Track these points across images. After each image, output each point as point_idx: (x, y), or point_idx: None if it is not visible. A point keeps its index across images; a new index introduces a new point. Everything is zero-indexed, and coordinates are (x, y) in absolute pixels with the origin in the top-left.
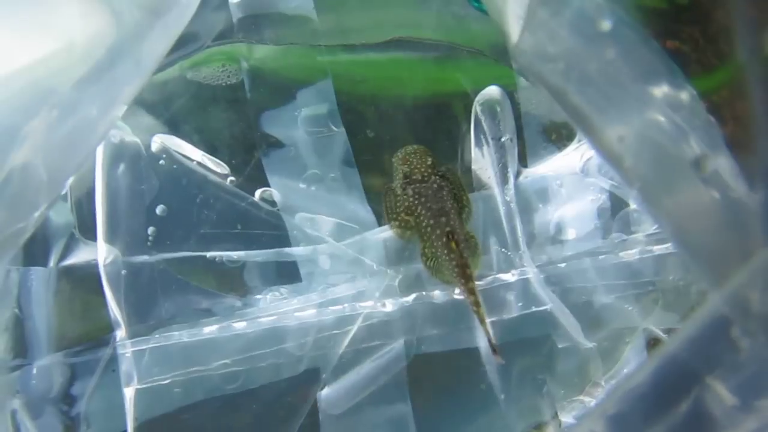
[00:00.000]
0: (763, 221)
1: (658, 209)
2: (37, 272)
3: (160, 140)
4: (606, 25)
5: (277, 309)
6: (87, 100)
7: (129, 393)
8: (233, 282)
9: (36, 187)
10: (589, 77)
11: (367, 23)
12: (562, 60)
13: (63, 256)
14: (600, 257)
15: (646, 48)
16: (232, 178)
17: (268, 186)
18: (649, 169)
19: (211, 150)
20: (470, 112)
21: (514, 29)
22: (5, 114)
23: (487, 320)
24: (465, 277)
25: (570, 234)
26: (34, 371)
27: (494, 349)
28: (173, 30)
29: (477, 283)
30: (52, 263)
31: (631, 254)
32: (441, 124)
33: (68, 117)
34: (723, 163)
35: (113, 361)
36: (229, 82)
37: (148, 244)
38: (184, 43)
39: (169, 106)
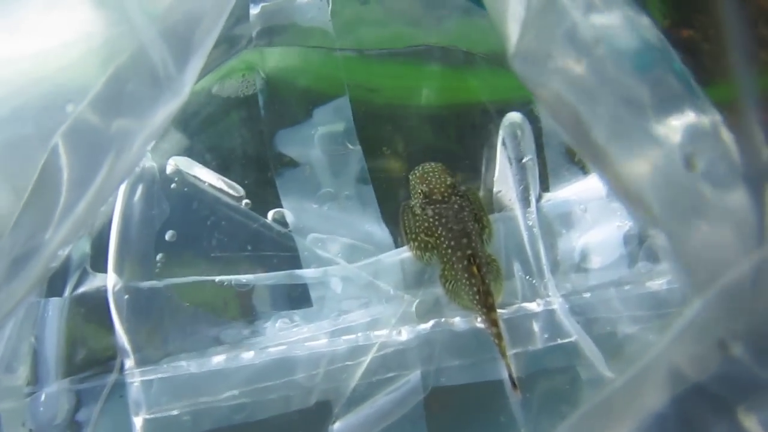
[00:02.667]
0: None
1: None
2: (54, 303)
3: (174, 163)
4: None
5: (287, 338)
6: (116, 124)
7: (138, 422)
8: (242, 307)
9: (72, 211)
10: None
11: (384, 34)
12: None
13: (76, 285)
14: (626, 287)
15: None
16: (248, 201)
17: (281, 206)
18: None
19: (225, 169)
20: (489, 126)
21: (513, 32)
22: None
23: (510, 352)
24: (487, 306)
25: (595, 262)
26: (43, 398)
27: (514, 383)
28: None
29: (500, 311)
30: (67, 293)
31: (658, 284)
32: (460, 141)
33: (95, 140)
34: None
35: (120, 387)
36: (247, 93)
37: (156, 270)
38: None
39: (186, 126)
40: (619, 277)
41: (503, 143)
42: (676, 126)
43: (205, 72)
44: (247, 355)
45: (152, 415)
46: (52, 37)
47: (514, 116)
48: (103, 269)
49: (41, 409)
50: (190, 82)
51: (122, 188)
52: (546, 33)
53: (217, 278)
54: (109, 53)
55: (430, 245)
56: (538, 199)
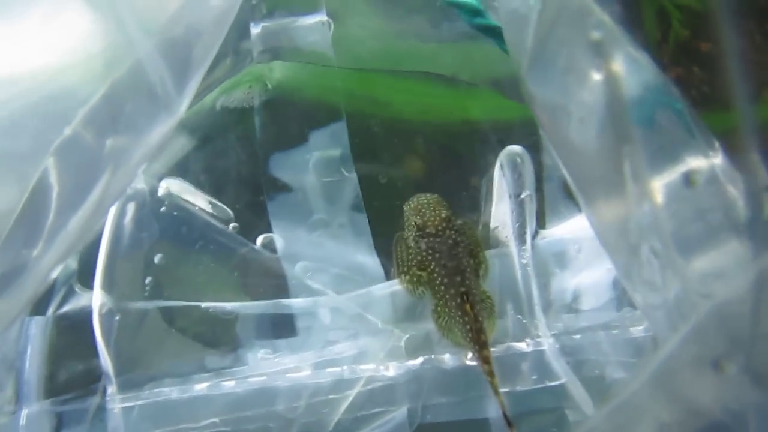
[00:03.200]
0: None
1: None
2: (37, 321)
3: (166, 185)
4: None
5: (269, 367)
6: (111, 144)
7: None
8: (226, 335)
9: (64, 232)
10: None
11: (386, 59)
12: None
13: (61, 304)
14: (614, 331)
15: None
16: (235, 224)
17: (271, 231)
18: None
19: (217, 190)
20: (487, 157)
21: (524, 61)
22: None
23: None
24: (479, 344)
25: (586, 303)
26: (23, 420)
27: (509, 422)
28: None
29: (491, 349)
30: (50, 311)
31: (638, 330)
32: (458, 172)
33: (90, 159)
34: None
35: (100, 410)
36: (252, 105)
37: (145, 294)
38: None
39: (183, 145)
40: (608, 320)
41: (503, 176)
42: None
43: (208, 88)
44: (229, 384)
45: None
46: (50, 53)
47: (514, 148)
48: (89, 287)
49: (22, 430)
50: (187, 101)
51: (112, 208)
52: (551, 65)
53: (203, 305)
54: (106, 69)
55: (422, 279)
56: (534, 236)
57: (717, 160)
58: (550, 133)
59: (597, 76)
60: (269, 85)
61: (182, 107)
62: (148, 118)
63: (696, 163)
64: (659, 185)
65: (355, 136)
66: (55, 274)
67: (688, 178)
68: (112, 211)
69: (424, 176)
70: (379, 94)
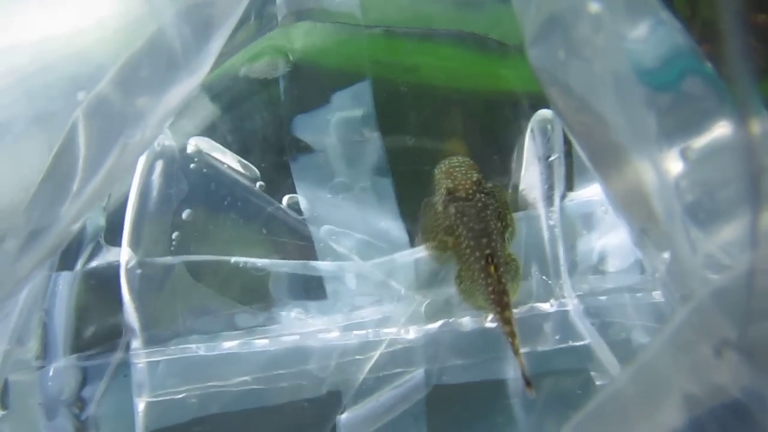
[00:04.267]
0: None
1: None
2: (65, 276)
3: (195, 143)
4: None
5: (301, 328)
6: (132, 103)
7: (140, 404)
8: (258, 292)
9: (86, 187)
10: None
11: (415, 18)
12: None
13: (89, 259)
14: (638, 294)
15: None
16: (261, 183)
17: (296, 192)
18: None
19: (244, 151)
20: (519, 121)
21: (532, 25)
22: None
23: (521, 351)
24: (501, 305)
25: (612, 265)
26: (51, 373)
27: (528, 382)
28: (224, 36)
29: (513, 310)
30: (78, 266)
31: (659, 295)
32: (489, 135)
33: (110, 117)
34: None
35: (124, 366)
36: (273, 76)
37: (172, 249)
38: (233, 40)
39: (210, 107)
40: (632, 282)
41: (533, 139)
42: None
43: (232, 52)
44: (261, 342)
45: (156, 398)
46: (76, 16)
47: (545, 113)
48: (118, 243)
49: (49, 383)
50: (209, 62)
51: (140, 165)
52: (564, 29)
53: (233, 259)
54: (130, 32)
55: (448, 245)
56: (562, 198)
57: (748, 129)
58: (558, 106)
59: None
60: (291, 57)
61: (204, 68)
62: (169, 78)
63: (720, 132)
64: (676, 155)
65: (380, 99)
66: (76, 227)
67: (692, 150)
68: (140, 168)
69: (453, 140)
70: (406, 60)
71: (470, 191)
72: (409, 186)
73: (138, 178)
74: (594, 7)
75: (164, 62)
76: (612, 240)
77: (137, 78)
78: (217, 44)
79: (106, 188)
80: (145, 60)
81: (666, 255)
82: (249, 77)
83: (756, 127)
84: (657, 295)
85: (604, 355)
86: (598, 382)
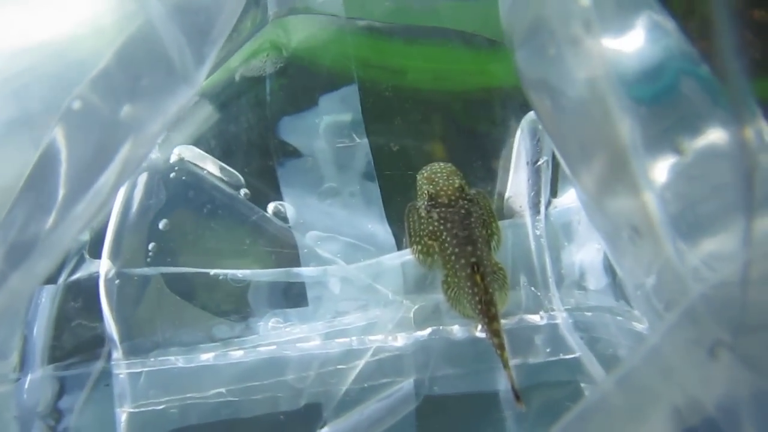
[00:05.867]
0: None
1: None
2: (48, 290)
3: (178, 152)
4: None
5: (279, 337)
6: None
7: (122, 415)
8: (236, 303)
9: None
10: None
11: (399, 17)
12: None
13: (72, 272)
14: (618, 318)
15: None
16: (246, 191)
17: (281, 198)
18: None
19: (227, 155)
20: (507, 123)
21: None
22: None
23: (511, 363)
24: (489, 317)
25: (590, 283)
26: (26, 385)
27: (517, 395)
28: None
29: (502, 321)
30: (61, 280)
31: (642, 327)
32: (474, 139)
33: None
34: None
35: (106, 375)
36: (268, 72)
37: (148, 260)
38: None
39: (195, 109)
40: (611, 305)
41: (523, 142)
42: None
43: (225, 57)
44: (237, 354)
45: (138, 409)
46: (61, 20)
47: (533, 114)
48: (97, 255)
49: (25, 396)
50: (205, 71)
51: None
52: (552, 33)
53: (212, 271)
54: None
55: (433, 249)
56: (547, 205)
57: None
58: (540, 111)
59: (590, 51)
60: (284, 52)
61: (200, 78)
62: (165, 90)
63: (712, 137)
64: (664, 162)
65: (367, 103)
66: (68, 246)
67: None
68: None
69: (438, 144)
70: (393, 63)
71: (452, 197)
72: (395, 190)
73: (122, 191)
74: (583, 9)
75: (161, 72)
76: (586, 255)
77: (131, 88)
78: (213, 51)
79: (101, 203)
80: (140, 70)
81: (649, 272)
82: (243, 77)
83: (749, 129)
84: (637, 324)
85: (594, 368)
86: (587, 393)
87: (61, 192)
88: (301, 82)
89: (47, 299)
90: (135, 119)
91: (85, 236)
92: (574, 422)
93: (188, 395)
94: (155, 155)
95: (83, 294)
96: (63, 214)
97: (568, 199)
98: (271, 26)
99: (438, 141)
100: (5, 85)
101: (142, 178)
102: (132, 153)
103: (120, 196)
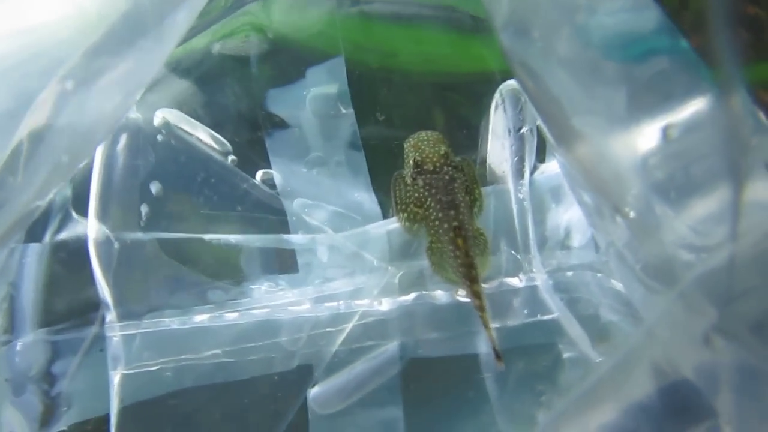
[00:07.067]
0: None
1: None
2: (33, 248)
3: (162, 115)
4: None
5: (272, 300)
6: (102, 75)
7: (115, 377)
8: (229, 267)
9: (53, 162)
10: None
11: None
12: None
13: (57, 230)
14: (598, 275)
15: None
16: (233, 157)
17: (270, 167)
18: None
19: (215, 126)
20: (493, 95)
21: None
22: (14, 82)
23: (491, 325)
24: (470, 279)
25: (575, 240)
26: (18, 348)
27: (498, 354)
28: (194, 8)
29: (483, 285)
30: (47, 238)
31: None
32: (460, 110)
33: (83, 92)
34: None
35: (99, 340)
36: (247, 53)
37: (141, 223)
38: (205, 15)
39: (179, 82)
40: (591, 260)
41: (504, 111)
42: (667, 109)
43: (204, 26)
44: (231, 316)
45: (132, 371)
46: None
47: (515, 83)
48: (85, 214)
49: (16, 359)
50: (179, 32)
51: None
52: (533, 7)
53: (206, 236)
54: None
55: (419, 216)
56: (533, 171)
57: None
58: (525, 87)
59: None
60: (269, 34)
61: (174, 38)
62: (135, 49)
63: (689, 112)
64: (648, 132)
65: (353, 76)
66: (44, 202)
67: (669, 129)
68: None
69: (424, 114)
70: (384, 46)
71: (438, 164)
72: (381, 160)
73: (101, 149)
74: None
75: (132, 31)
76: (576, 214)
77: (104, 48)
78: (188, 15)
79: (74, 161)
80: (115, 25)
81: (622, 234)
82: (222, 53)
83: (738, 107)
84: (615, 282)
85: (573, 329)
86: (566, 355)
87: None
88: (287, 56)
89: (33, 258)
90: (107, 79)
91: (67, 192)
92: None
93: (183, 357)
94: (133, 115)
95: (73, 255)
96: (29, 171)
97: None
98: (255, 7)
99: (424, 111)
100: None
101: (123, 138)
102: (104, 114)
103: (99, 154)
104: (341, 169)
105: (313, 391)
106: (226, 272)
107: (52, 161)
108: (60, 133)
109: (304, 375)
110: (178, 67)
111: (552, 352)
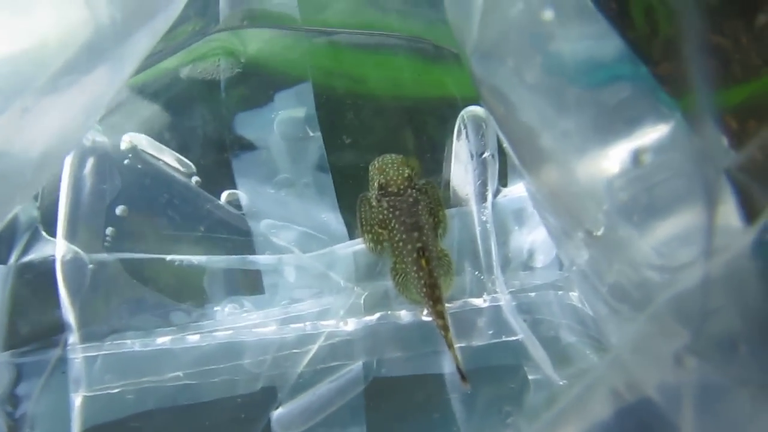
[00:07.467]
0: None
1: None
2: None
3: (129, 139)
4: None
5: (235, 323)
6: (62, 101)
7: (77, 399)
8: (192, 289)
9: (12, 184)
10: (539, 84)
11: (352, 20)
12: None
13: (23, 252)
14: (559, 293)
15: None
16: (197, 179)
17: (236, 188)
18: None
19: (182, 148)
20: (455, 120)
21: (472, 31)
22: None
23: (455, 345)
24: (433, 299)
25: (538, 261)
26: None
27: (463, 375)
28: (156, 33)
29: (447, 305)
30: (12, 260)
31: (575, 295)
32: (424, 134)
33: (42, 116)
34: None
35: (63, 362)
36: (216, 77)
37: (106, 244)
38: (172, 39)
39: (147, 105)
40: (554, 279)
41: (466, 137)
42: (630, 133)
43: (171, 50)
44: (194, 338)
45: (93, 393)
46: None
47: (476, 109)
48: (53, 235)
49: None
50: (139, 56)
51: (69, 160)
52: (503, 35)
53: (168, 257)
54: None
55: (383, 238)
56: (495, 194)
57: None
58: (493, 112)
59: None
60: (242, 59)
61: (133, 62)
62: (95, 72)
63: (652, 136)
64: (609, 160)
65: (321, 100)
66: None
67: (638, 154)
68: (70, 162)
69: (390, 138)
70: (353, 71)
71: (401, 186)
72: (348, 182)
73: (69, 172)
74: (545, 16)
75: (87, 53)
76: (539, 235)
77: (63, 69)
78: (150, 39)
79: (33, 181)
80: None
81: (587, 255)
82: (191, 77)
83: (711, 129)
84: (574, 296)
85: (536, 351)
86: (531, 377)
87: None
88: (257, 81)
89: None
90: (62, 101)
91: (34, 213)
92: None
93: (145, 379)
94: (100, 139)
95: (38, 276)
96: None
97: (522, 188)
98: (226, 34)
99: (390, 135)
100: None
101: (90, 161)
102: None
103: (66, 177)
104: (308, 190)
105: (277, 413)
106: (189, 294)
107: (13, 181)
108: (21, 152)
109: (268, 397)
110: (145, 90)
111: (518, 374)
